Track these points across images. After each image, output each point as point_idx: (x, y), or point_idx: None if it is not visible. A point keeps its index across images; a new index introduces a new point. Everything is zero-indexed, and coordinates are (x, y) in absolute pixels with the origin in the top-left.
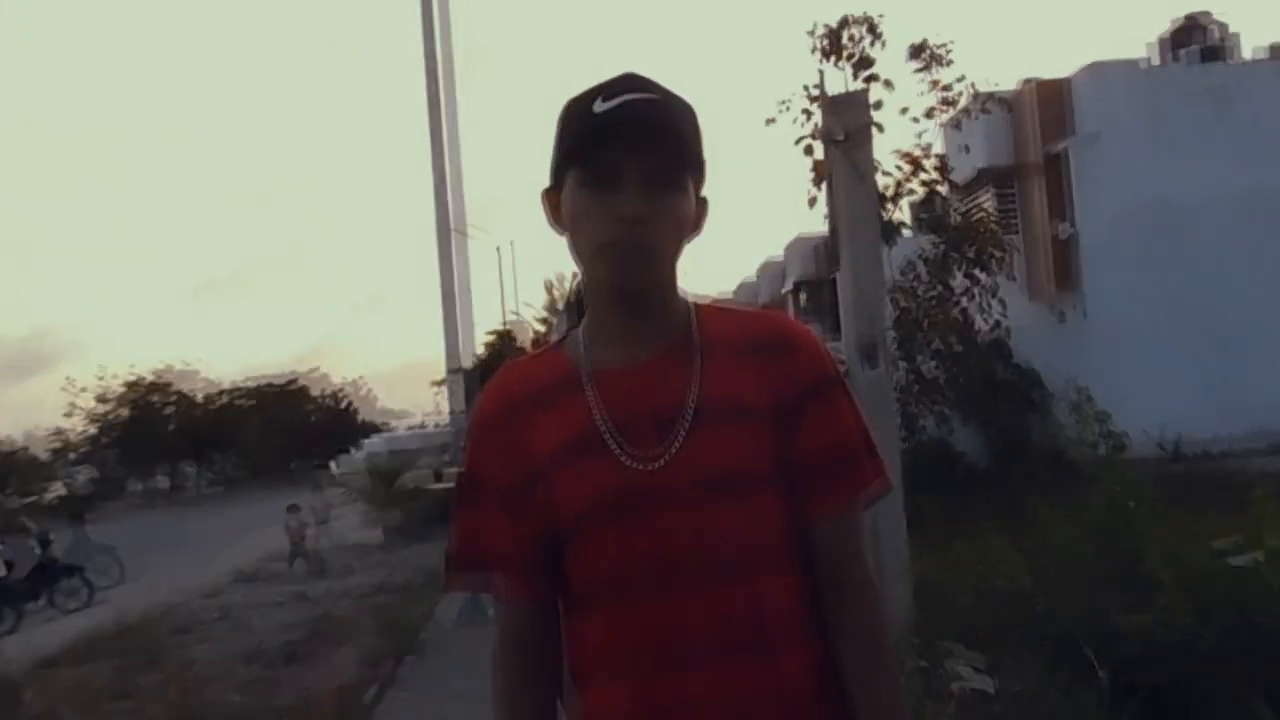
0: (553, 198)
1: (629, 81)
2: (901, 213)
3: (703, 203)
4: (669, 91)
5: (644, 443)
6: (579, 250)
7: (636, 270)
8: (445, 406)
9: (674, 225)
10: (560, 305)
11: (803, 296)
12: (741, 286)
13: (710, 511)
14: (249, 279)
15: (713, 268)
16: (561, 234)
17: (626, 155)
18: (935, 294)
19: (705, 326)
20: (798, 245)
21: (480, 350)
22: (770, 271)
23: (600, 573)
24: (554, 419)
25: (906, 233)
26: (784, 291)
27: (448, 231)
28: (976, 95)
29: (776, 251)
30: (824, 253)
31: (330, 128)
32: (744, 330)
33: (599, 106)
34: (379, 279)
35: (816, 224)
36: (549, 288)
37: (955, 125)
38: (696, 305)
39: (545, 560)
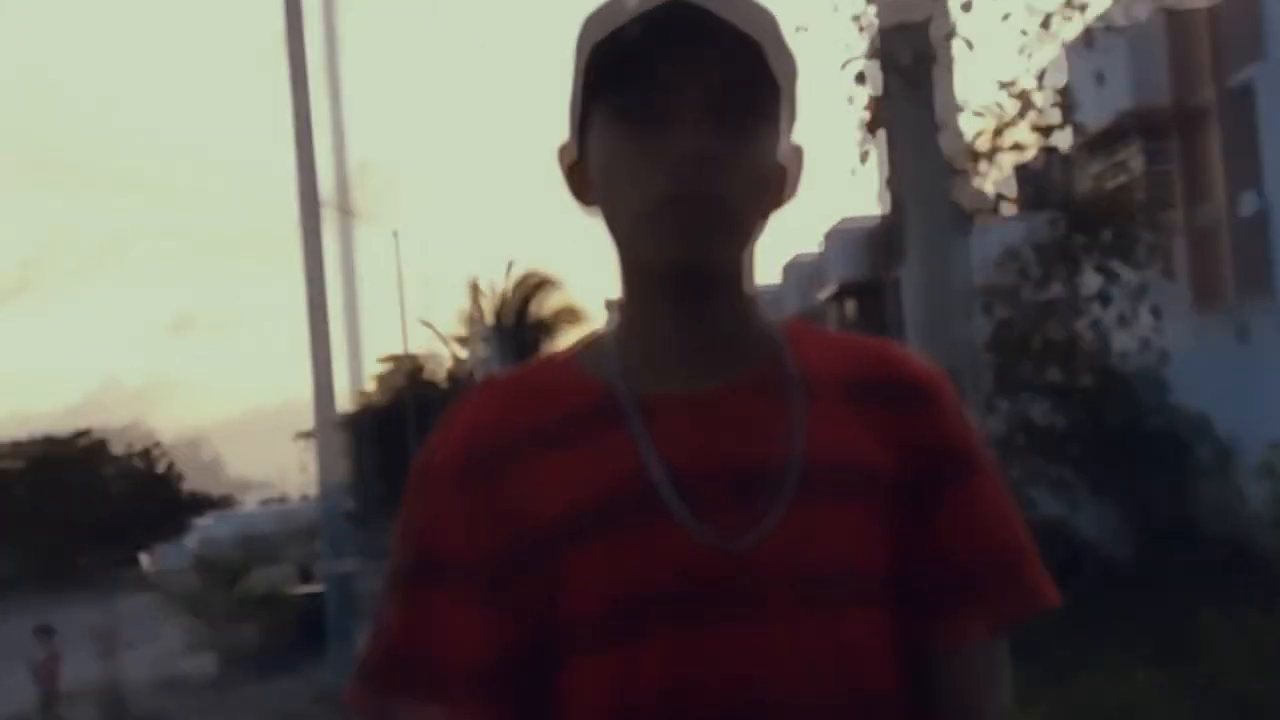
0: (573, 157)
1: None
2: (1001, 176)
3: (796, 153)
4: None
5: (718, 512)
6: (615, 217)
7: (703, 236)
8: (315, 470)
9: (756, 174)
10: (490, 320)
11: (848, 307)
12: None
13: (803, 625)
14: (23, 283)
15: None
16: (586, 208)
17: (682, 70)
18: (1051, 300)
19: (808, 353)
20: (842, 234)
21: (368, 385)
22: (802, 271)
23: (622, 713)
24: (572, 466)
25: (1008, 209)
26: (821, 299)
27: (315, 207)
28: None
29: (811, 243)
30: (879, 241)
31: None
32: (851, 362)
33: (635, 5)
34: (215, 286)
35: (868, 202)
36: (474, 293)
37: (1086, 44)
38: (795, 323)
39: (520, 685)
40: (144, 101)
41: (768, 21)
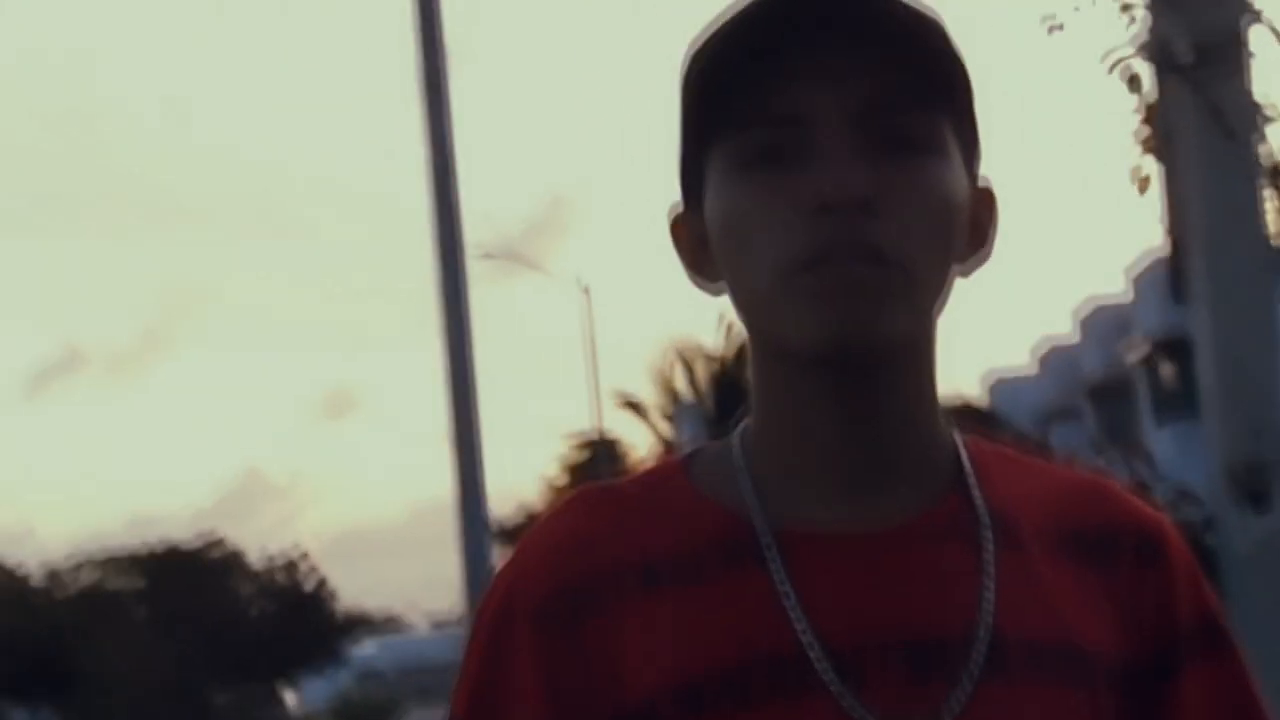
0: (683, 227)
1: None
2: None
3: (984, 194)
4: None
5: (885, 691)
6: (744, 289)
7: (864, 303)
8: (458, 587)
9: (933, 218)
10: (703, 390)
11: (1165, 370)
12: (1050, 355)
13: None
14: (143, 353)
15: (981, 319)
16: (708, 285)
17: (820, 85)
18: None
19: (988, 475)
20: (1155, 274)
21: (552, 474)
22: (1105, 323)
23: None
24: (689, 616)
25: None
26: (1131, 361)
27: (458, 256)
28: None
29: (1112, 283)
30: (1170, 289)
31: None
32: (1057, 502)
33: (749, 9)
34: (381, 355)
35: None
36: (680, 358)
37: None
38: (974, 442)
39: None
40: (271, 136)
41: (933, 10)
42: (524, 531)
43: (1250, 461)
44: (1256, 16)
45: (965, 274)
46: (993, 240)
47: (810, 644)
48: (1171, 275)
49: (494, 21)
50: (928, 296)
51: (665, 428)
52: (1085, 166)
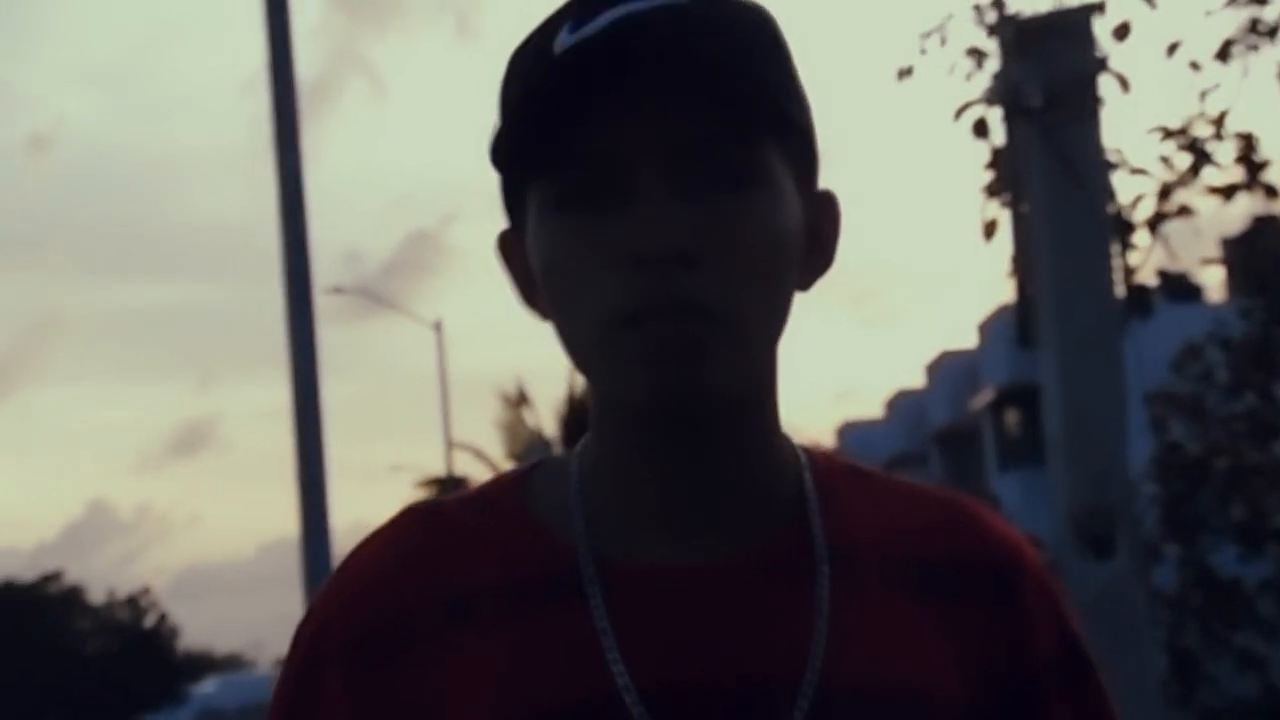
0: (511, 250)
1: None
2: (1169, 252)
3: (822, 204)
4: None
5: None
6: (566, 335)
7: (688, 360)
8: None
9: (759, 255)
10: (551, 431)
11: (1010, 417)
12: (898, 400)
13: None
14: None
15: (831, 366)
16: (540, 315)
17: (635, 125)
18: (1245, 412)
19: (835, 504)
20: (1002, 323)
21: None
22: (953, 372)
23: None
24: (506, 656)
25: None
26: (975, 407)
27: (305, 293)
28: None
29: (964, 336)
30: (1016, 337)
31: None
32: (910, 530)
33: (563, 40)
34: (238, 387)
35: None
36: (521, 400)
37: None
38: (827, 464)
39: None
40: (126, 166)
41: (760, 30)
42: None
43: (1094, 509)
44: (1103, 65)
45: (805, 288)
46: (834, 249)
47: (627, 688)
48: (1019, 322)
49: (351, 60)
50: (759, 343)
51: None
52: (942, 216)
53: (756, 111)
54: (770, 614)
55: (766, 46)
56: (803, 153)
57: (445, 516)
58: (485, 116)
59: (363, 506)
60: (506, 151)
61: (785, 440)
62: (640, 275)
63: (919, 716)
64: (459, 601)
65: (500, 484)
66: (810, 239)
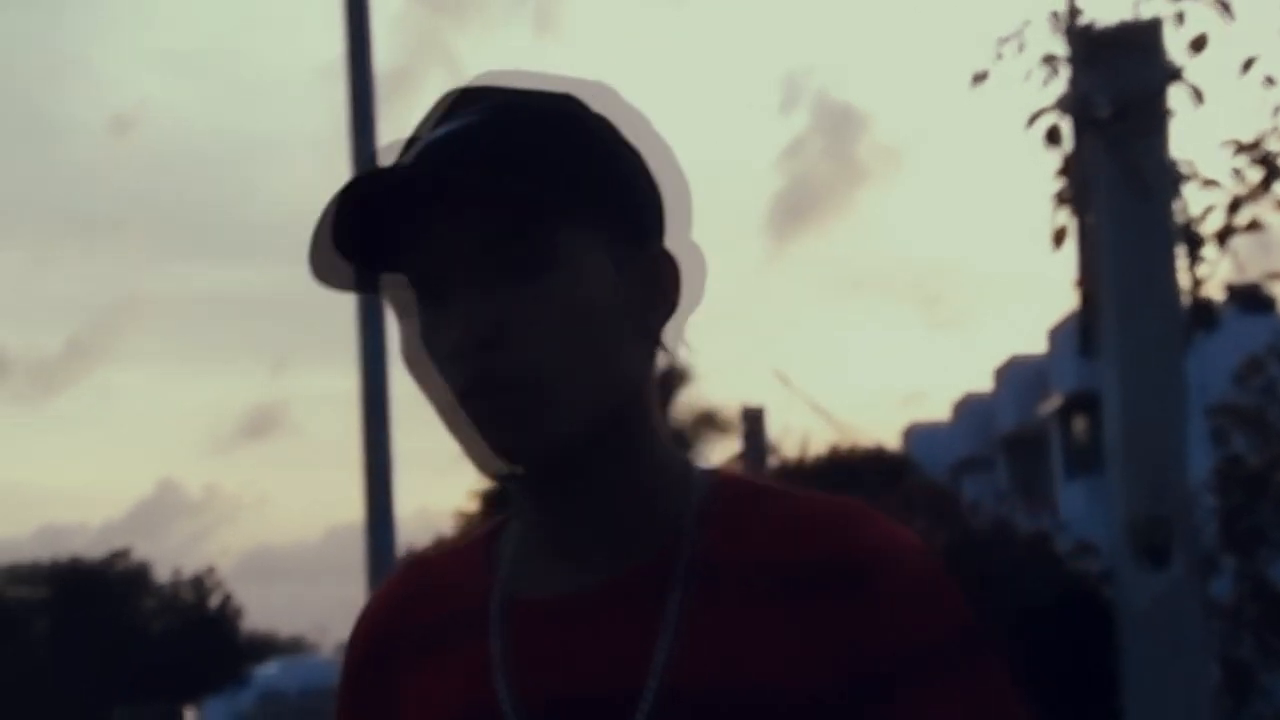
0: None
1: (445, 105)
2: (1239, 264)
3: (654, 263)
4: (527, 95)
5: None
6: (433, 410)
7: (512, 430)
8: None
9: (560, 329)
10: None
11: (1078, 424)
12: (966, 404)
13: None
14: (69, 363)
15: (899, 369)
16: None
17: (441, 237)
18: None
19: (715, 528)
20: (1072, 329)
21: (468, 504)
22: (1021, 377)
23: None
24: (434, 683)
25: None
26: (1044, 413)
27: None
28: None
29: (1033, 341)
30: (1080, 345)
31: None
32: (788, 540)
33: (365, 184)
34: (309, 367)
35: None
36: None
37: None
38: (716, 482)
39: None
40: (202, 152)
41: (551, 124)
42: None
43: (1151, 517)
44: (1177, 75)
45: (652, 335)
46: (675, 298)
47: (506, 704)
48: (1082, 330)
49: (431, 50)
50: (581, 402)
51: None
52: (1014, 221)
53: (536, 209)
54: (625, 631)
55: (564, 138)
56: (622, 221)
57: (431, 561)
58: None
59: (428, 495)
60: (332, 273)
61: (672, 469)
62: (460, 362)
63: (765, 713)
64: (419, 633)
65: (480, 532)
66: (643, 293)
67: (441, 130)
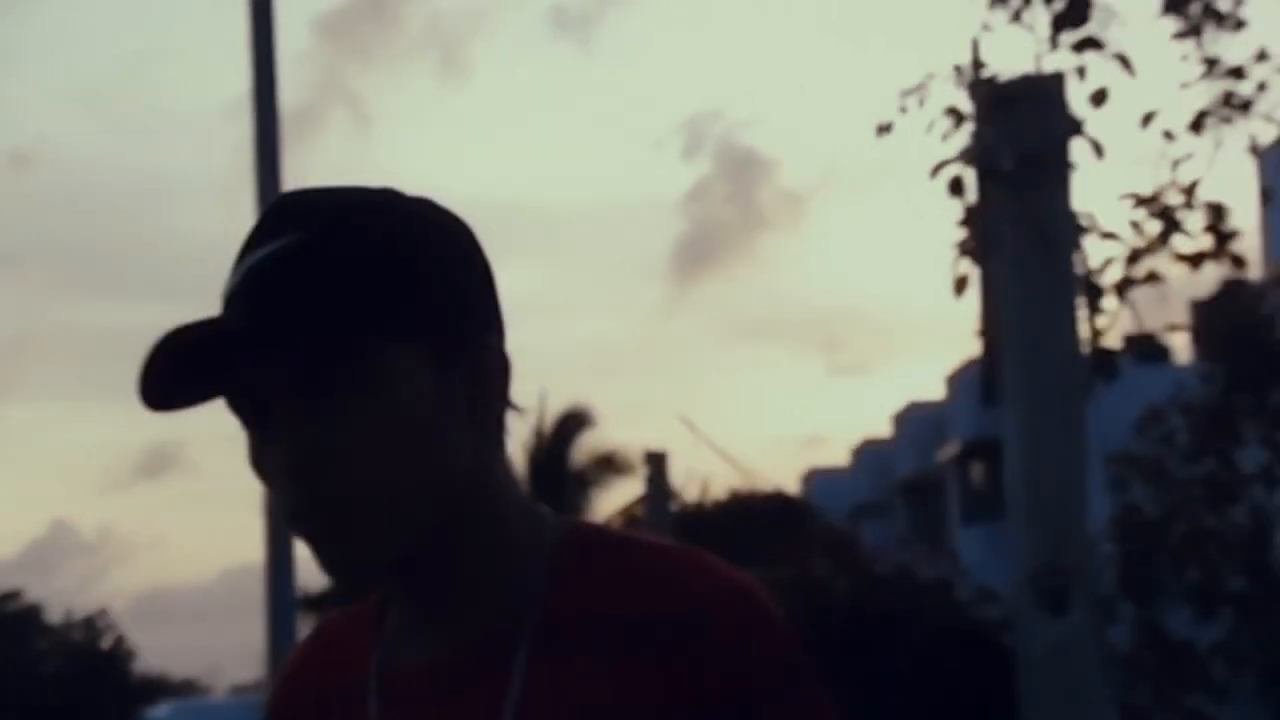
0: None
1: (268, 220)
2: (1137, 316)
3: (481, 362)
4: (346, 211)
5: None
6: None
7: (340, 546)
8: (265, 660)
9: (377, 448)
10: (520, 467)
11: (975, 471)
12: (865, 449)
13: None
14: None
15: (800, 413)
16: None
17: (263, 362)
18: (1204, 476)
19: (562, 584)
20: (970, 377)
21: None
22: (920, 423)
23: None
24: None
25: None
26: (942, 459)
27: None
28: None
29: (932, 388)
30: (981, 393)
31: None
32: (632, 593)
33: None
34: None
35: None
36: None
37: (1253, 152)
38: (568, 536)
39: None
40: (99, 186)
41: (371, 246)
42: (328, 603)
43: (1051, 565)
44: (1078, 128)
45: (488, 427)
46: (508, 384)
47: None
48: (984, 378)
49: (335, 90)
50: (406, 513)
51: None
52: (917, 270)
53: (344, 339)
54: (478, 694)
55: (376, 260)
56: (440, 331)
57: (337, 623)
58: (468, 149)
59: None
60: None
61: (523, 533)
62: (285, 486)
63: None
64: (318, 706)
65: (370, 601)
66: (471, 390)
67: (259, 254)
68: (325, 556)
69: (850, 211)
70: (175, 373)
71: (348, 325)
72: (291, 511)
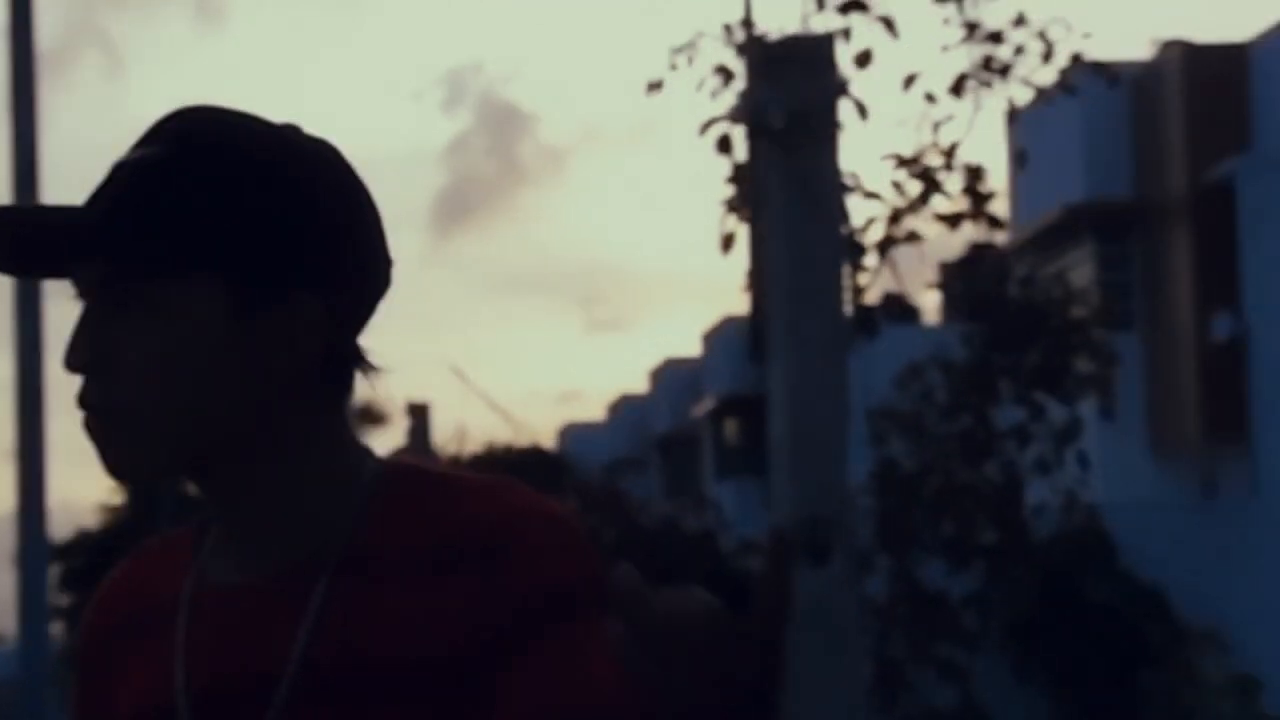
0: None
1: (150, 129)
2: (897, 275)
3: (290, 314)
4: (204, 136)
5: None
6: None
7: (111, 452)
8: (15, 610)
9: (145, 368)
10: None
11: (729, 427)
12: (621, 404)
13: None
14: None
15: (557, 367)
16: None
17: (76, 267)
18: (960, 433)
19: (374, 519)
20: (726, 334)
21: (100, 513)
22: (676, 379)
23: None
24: (137, 668)
25: (928, 314)
26: (697, 415)
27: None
28: (1059, 62)
29: (689, 344)
30: (748, 348)
31: None
32: (436, 523)
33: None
34: None
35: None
36: None
37: (1010, 117)
38: (385, 473)
39: None
40: None
41: (194, 175)
42: (77, 552)
43: (814, 518)
44: (844, 89)
45: (278, 378)
46: (304, 345)
47: (180, 692)
48: (751, 334)
49: (89, 31)
50: (160, 435)
51: None
52: (679, 226)
53: (139, 260)
54: (278, 620)
55: (197, 188)
56: (247, 272)
57: (157, 546)
58: (223, 97)
59: (79, 485)
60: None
61: (337, 470)
62: (77, 380)
63: (399, 685)
64: (131, 619)
65: (190, 526)
66: (269, 339)
67: (124, 158)
68: (101, 458)
69: (612, 168)
70: (22, 244)
71: (152, 247)
72: (79, 407)
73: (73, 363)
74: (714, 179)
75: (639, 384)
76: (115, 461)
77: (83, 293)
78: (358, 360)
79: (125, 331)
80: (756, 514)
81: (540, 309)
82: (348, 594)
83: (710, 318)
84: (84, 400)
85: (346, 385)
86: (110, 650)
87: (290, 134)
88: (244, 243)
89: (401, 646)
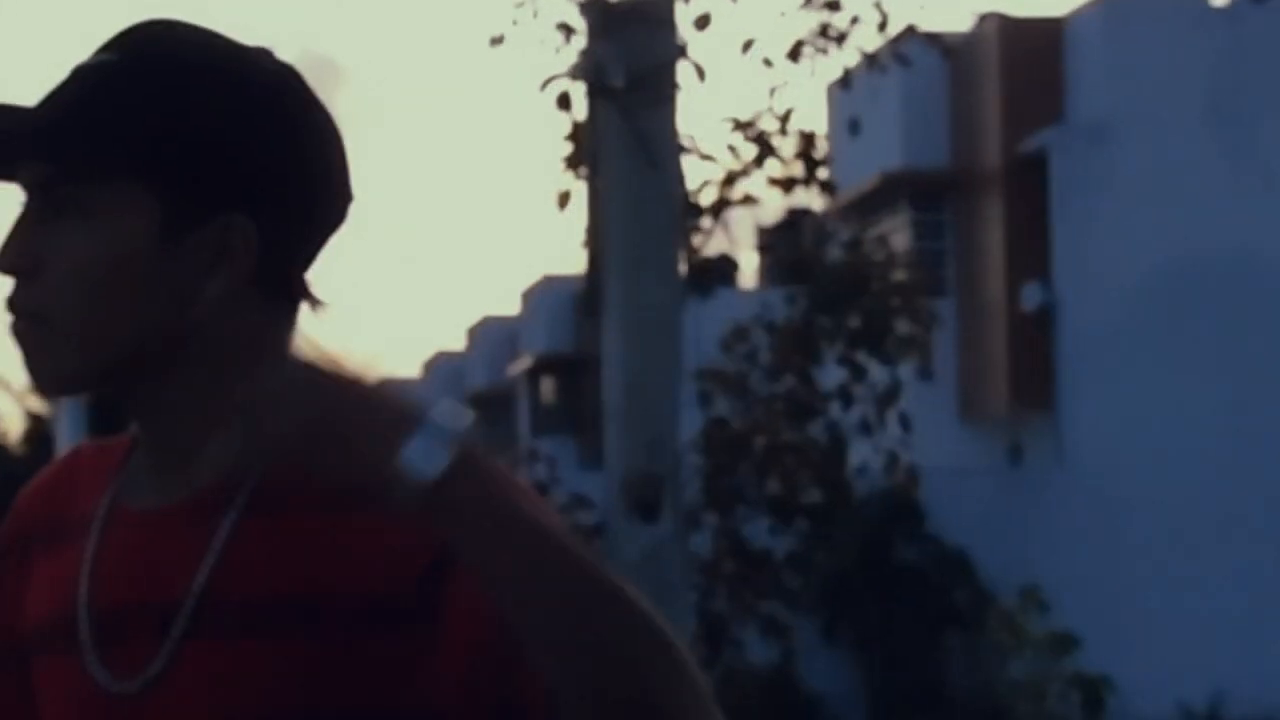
0: None
1: (111, 38)
2: (731, 235)
3: (223, 235)
4: (158, 46)
5: (130, 652)
6: None
7: (32, 358)
8: None
9: (75, 274)
10: None
11: (545, 386)
12: (437, 361)
13: None
14: None
15: (372, 323)
16: None
17: (15, 169)
18: (785, 393)
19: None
20: (544, 293)
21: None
22: (492, 337)
23: None
24: (52, 575)
25: (750, 276)
26: (513, 374)
27: None
28: (892, 31)
29: (507, 302)
30: (582, 305)
31: None
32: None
33: None
34: None
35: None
36: None
37: (844, 83)
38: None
39: None
40: None
41: (136, 80)
42: None
43: (644, 474)
44: (682, 51)
45: (208, 298)
46: (246, 264)
47: (82, 608)
48: (586, 291)
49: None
50: (84, 345)
51: (36, 402)
52: (511, 184)
53: (74, 165)
54: (185, 546)
55: (138, 98)
56: (180, 187)
57: (90, 452)
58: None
59: None
60: None
61: (271, 395)
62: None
63: (297, 616)
64: (54, 524)
65: (123, 439)
66: (200, 259)
67: (83, 61)
68: (25, 366)
69: (435, 122)
70: None
71: (88, 150)
72: (8, 310)
73: (2, 265)
74: (555, 136)
75: (456, 342)
76: (37, 369)
77: (26, 195)
78: (299, 292)
79: (58, 236)
80: (573, 472)
81: (357, 263)
82: (257, 527)
83: (528, 276)
84: (12, 304)
85: (285, 316)
86: (29, 553)
87: (254, 55)
88: (180, 156)
89: (308, 583)
